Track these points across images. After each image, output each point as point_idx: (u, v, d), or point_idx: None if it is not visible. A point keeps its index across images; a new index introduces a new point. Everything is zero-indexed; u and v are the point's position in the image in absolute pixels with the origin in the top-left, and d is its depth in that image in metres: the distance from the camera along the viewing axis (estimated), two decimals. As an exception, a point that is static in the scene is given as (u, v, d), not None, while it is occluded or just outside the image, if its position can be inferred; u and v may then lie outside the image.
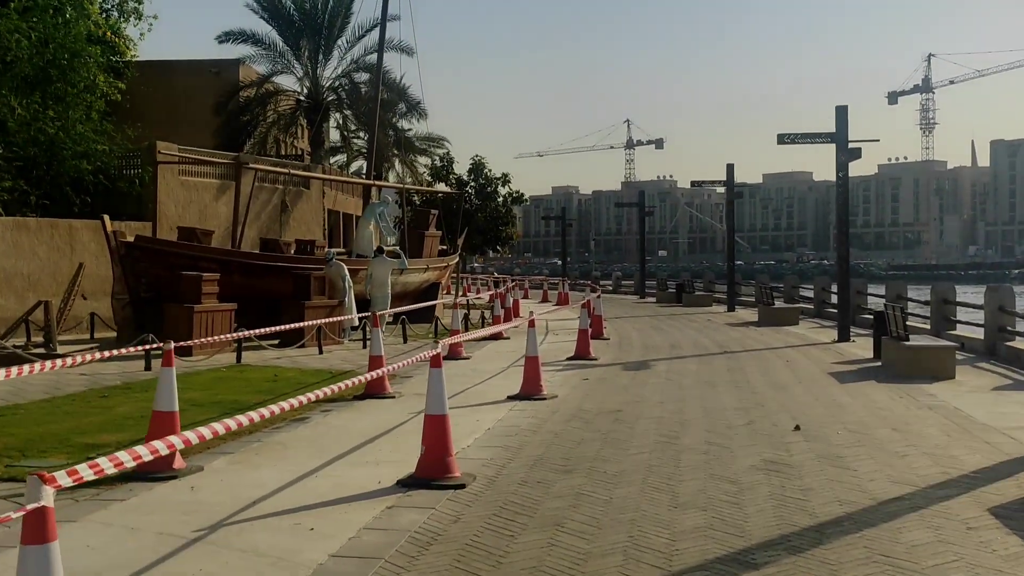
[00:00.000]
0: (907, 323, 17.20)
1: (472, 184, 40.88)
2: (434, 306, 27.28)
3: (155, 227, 21.22)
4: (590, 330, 22.28)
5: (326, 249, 22.13)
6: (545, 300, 45.11)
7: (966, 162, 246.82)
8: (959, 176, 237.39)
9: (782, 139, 23.07)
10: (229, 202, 28.79)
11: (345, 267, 21.80)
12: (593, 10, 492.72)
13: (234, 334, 16.79)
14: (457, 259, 32.01)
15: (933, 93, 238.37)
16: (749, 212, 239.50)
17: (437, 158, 47.87)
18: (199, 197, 26.90)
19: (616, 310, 36.14)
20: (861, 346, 21.01)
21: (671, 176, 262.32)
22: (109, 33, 34.16)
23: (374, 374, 10.05)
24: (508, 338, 22.58)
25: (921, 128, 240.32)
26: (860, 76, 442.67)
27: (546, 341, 22.66)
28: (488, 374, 16.09)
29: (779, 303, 31.09)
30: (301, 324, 17.15)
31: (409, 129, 59.70)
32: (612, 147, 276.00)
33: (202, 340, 15.84)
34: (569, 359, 18.43)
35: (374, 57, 41.21)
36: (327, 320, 18.25)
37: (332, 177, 30.09)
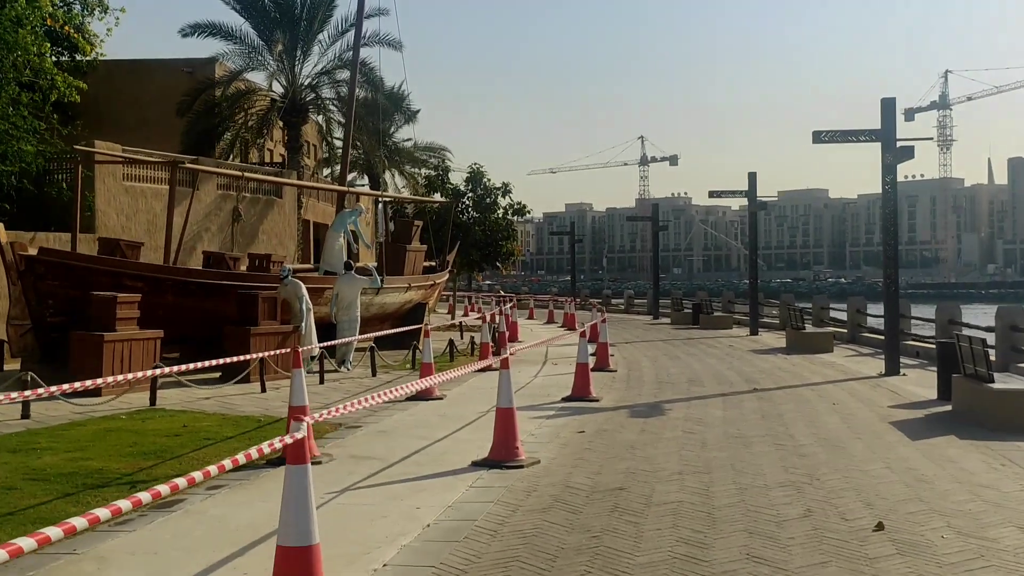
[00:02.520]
0: (989, 358, 13.72)
1: (470, 195, 37.48)
2: (418, 330, 23.93)
3: (74, 238, 17.97)
4: (592, 362, 18.98)
5: (281, 265, 18.82)
6: (551, 321, 41.70)
7: (983, 179, 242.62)
8: (977, 194, 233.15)
9: (818, 137, 19.65)
10: (183, 212, 25.60)
11: (303, 286, 18.45)
12: (607, 27, 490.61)
13: (147, 371, 13.47)
14: (446, 276, 28.63)
15: (950, 110, 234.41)
16: (764, 229, 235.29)
17: (432, 168, 44.68)
18: (147, 205, 23.67)
19: (627, 333, 32.68)
20: (916, 382, 17.55)
21: (686, 193, 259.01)
22: (68, 28, 30.98)
23: (287, 439, 6.70)
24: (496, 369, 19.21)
25: (938, 145, 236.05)
26: (876, 94, 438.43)
27: (541, 373, 19.30)
28: (459, 422, 12.70)
29: (808, 326, 27.62)
30: (238, 358, 13.79)
31: (409, 139, 56.58)
32: (626, 164, 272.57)
33: (104, 380, 12.42)
34: (565, 399, 15.04)
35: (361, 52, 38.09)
36: (271, 352, 14.80)
37: (296, 183, 26.74)
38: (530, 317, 45.84)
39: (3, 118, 20.21)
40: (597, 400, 14.96)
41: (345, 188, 25.26)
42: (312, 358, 18.11)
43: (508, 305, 31.98)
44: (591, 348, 22.47)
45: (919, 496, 8.42)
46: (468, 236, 36.44)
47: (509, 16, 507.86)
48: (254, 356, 14.20)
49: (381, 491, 8.67)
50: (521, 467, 9.68)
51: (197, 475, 5.01)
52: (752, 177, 32.54)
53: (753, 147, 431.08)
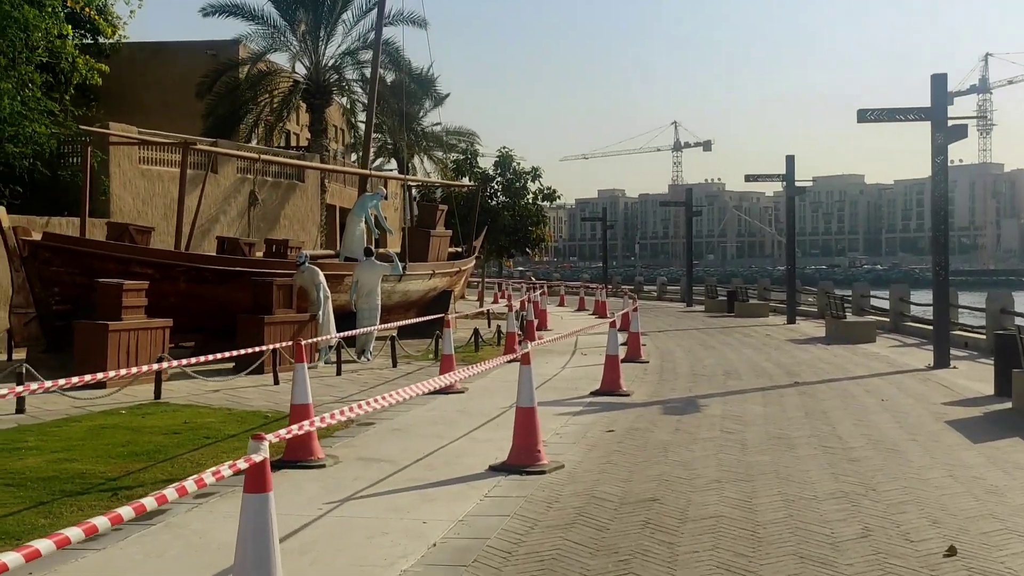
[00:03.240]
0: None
1: (499, 179, 36.49)
2: (441, 319, 23.05)
3: (84, 222, 17.21)
4: (623, 353, 18.11)
5: (298, 251, 18.00)
6: (581, 308, 40.74)
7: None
8: (1017, 179, 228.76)
9: (864, 116, 18.56)
10: (205, 196, 24.88)
11: (320, 273, 17.63)
12: (640, 11, 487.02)
13: (151, 365, 12.77)
14: (473, 263, 27.71)
15: (991, 93, 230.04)
16: (799, 215, 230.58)
17: (459, 153, 43.66)
18: (164, 189, 22.95)
19: (659, 321, 31.68)
20: (969, 375, 16.50)
21: (719, 179, 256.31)
22: (89, 10, 30.35)
23: (291, 430, 5.90)
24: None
25: (978, 129, 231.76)
26: (914, 77, 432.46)
27: (570, 364, 18.40)
28: (480, 419, 11.85)
29: (848, 315, 26.50)
30: (247, 351, 12.97)
31: (438, 124, 55.65)
32: (659, 149, 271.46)
33: (106, 375, 11.70)
34: (594, 394, 14.12)
35: (385, 32, 37.17)
36: (284, 344, 13.95)
37: (315, 165, 25.73)
38: (561, 304, 44.88)
39: (13, 99, 19.52)
40: (628, 395, 14.04)
41: (367, 171, 24.39)
42: (329, 348, 17.32)
43: (537, 292, 31.07)
44: (622, 338, 21.64)
45: (992, 512, 7.45)
46: (497, 221, 35.50)
47: None
48: (265, 348, 13.34)
49: (386, 501, 7.82)
50: (543, 472, 8.80)
51: (171, 492, 4.20)
52: (790, 160, 31.38)
53: (789, 131, 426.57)
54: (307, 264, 17.59)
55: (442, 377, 9.22)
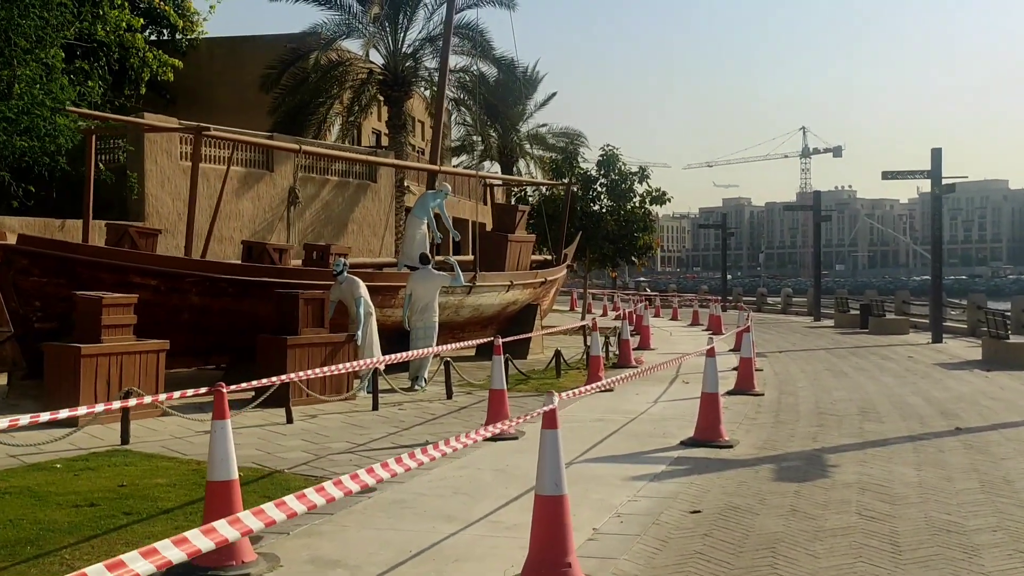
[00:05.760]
0: None
1: (602, 180, 33.14)
2: (528, 339, 19.92)
3: (86, 225, 14.63)
4: (732, 381, 14.83)
5: (336, 258, 15.10)
6: (695, 323, 37.07)
7: None
8: None
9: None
10: (259, 197, 22.39)
11: (361, 284, 14.68)
12: (767, 15, 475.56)
13: (114, 403, 10.08)
14: (563, 272, 24.46)
15: None
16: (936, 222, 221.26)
17: (558, 152, 40.40)
18: (212, 190, 20.46)
19: (782, 339, 27.84)
20: None
21: (850, 186, 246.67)
22: (160, 3, 28.41)
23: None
24: (612, 390, 15.09)
25: None
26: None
27: (665, 397, 15.07)
28: (519, 484, 8.60)
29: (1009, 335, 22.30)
30: (248, 385, 9.94)
31: (544, 125, 52.63)
32: (786, 156, 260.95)
33: (62, 414, 8.87)
34: (685, 444, 10.78)
35: (468, 15, 34.30)
36: (305, 374, 10.85)
37: (371, 159, 22.55)
38: (673, 318, 41.29)
39: (32, 86, 17.24)
40: (730, 446, 10.64)
41: (436, 167, 21.44)
42: (363, 378, 14.33)
43: (640, 305, 27.64)
44: (732, 361, 18.13)
45: None
46: (599, 227, 32.13)
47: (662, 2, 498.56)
48: (269, 381, 10.22)
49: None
50: (575, 600, 5.57)
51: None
52: (936, 154, 27.26)
53: (924, 133, 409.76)
54: (345, 274, 14.68)
55: (486, 429, 6.04)
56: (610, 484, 8.72)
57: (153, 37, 31.30)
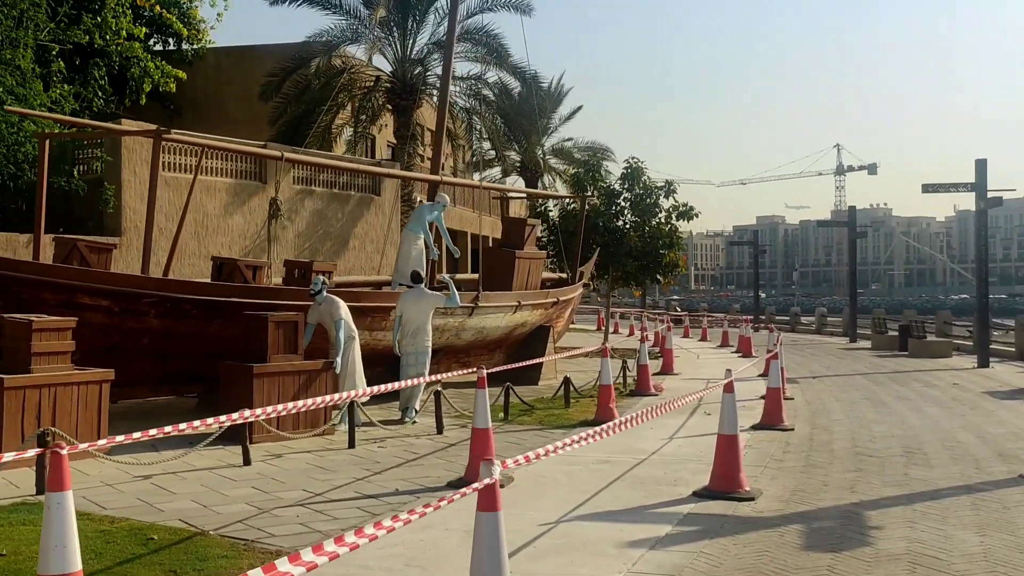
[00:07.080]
0: None
1: (626, 195, 31.51)
2: (539, 364, 18.33)
3: (37, 239, 13.27)
4: (757, 416, 13.29)
5: (315, 275, 13.60)
6: (724, 344, 35.26)
7: None
8: None
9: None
10: (250, 212, 20.98)
11: (342, 305, 13.18)
12: (802, 33, 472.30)
13: (27, 451, 8.67)
14: (579, 291, 22.84)
15: None
16: (974, 241, 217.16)
17: (580, 166, 38.73)
18: (199, 203, 19.06)
19: (815, 362, 26.05)
20: None
21: (885, 204, 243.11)
22: (159, 8, 27.23)
23: None
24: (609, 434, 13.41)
25: None
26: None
27: (682, 432, 13.43)
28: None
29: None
30: (199, 423, 8.50)
31: (569, 139, 51.13)
32: (820, 173, 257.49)
33: None
34: (698, 494, 9.15)
35: (479, 19, 32.72)
36: (266, 412, 9.30)
37: (365, 168, 20.86)
38: (703, 339, 39.49)
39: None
40: (751, 498, 8.99)
41: (438, 178, 19.89)
42: (341, 410, 12.78)
43: (663, 326, 25.97)
44: (761, 389, 16.48)
45: None
46: (622, 244, 30.47)
47: (695, 14, 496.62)
48: (228, 417, 8.79)
49: None
50: None
51: None
52: (981, 166, 25.47)
53: (958, 153, 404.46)
54: (324, 294, 13.18)
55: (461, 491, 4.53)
56: (601, 553, 7.15)
57: (158, 47, 30.19)
